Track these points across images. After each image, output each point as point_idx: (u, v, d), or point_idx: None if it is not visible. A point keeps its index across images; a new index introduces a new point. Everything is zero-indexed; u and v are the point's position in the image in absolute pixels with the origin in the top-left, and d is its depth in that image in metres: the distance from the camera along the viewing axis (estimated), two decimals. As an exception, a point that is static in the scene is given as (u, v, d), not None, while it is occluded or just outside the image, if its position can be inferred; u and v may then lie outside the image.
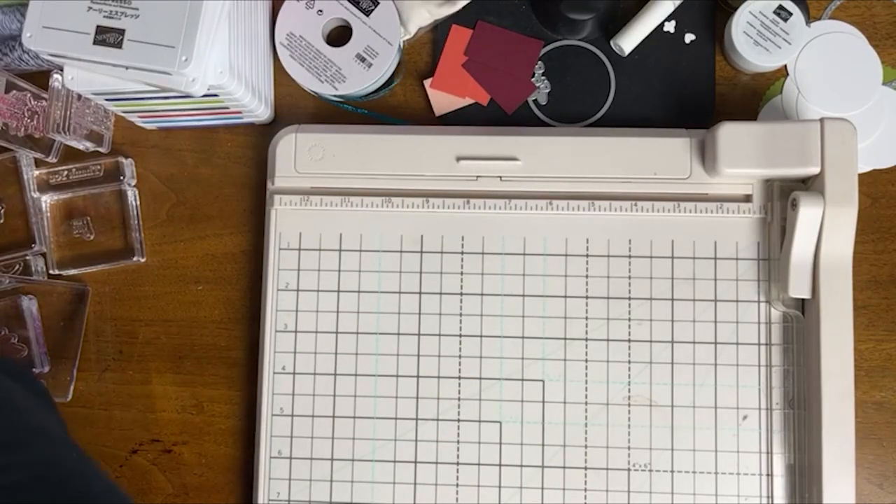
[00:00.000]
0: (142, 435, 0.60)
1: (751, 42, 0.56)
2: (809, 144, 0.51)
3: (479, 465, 0.55)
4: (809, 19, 0.58)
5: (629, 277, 0.55)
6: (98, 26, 0.49)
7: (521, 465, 0.55)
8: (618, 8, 0.59)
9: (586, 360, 0.55)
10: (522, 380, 0.55)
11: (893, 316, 0.57)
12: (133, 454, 0.60)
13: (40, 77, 0.60)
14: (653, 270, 0.55)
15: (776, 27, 0.56)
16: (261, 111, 0.59)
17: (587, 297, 0.55)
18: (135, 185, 0.62)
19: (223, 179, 0.61)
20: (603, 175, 0.56)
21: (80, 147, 0.60)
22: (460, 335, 0.56)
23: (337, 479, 0.55)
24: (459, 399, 0.55)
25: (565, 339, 0.55)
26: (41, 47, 0.49)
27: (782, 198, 0.54)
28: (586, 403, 0.55)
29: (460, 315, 0.56)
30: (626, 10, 0.59)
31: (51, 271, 0.61)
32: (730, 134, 0.52)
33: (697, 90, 0.59)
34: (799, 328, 0.53)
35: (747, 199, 0.55)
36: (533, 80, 0.60)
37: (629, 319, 0.55)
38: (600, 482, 0.54)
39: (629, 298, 0.55)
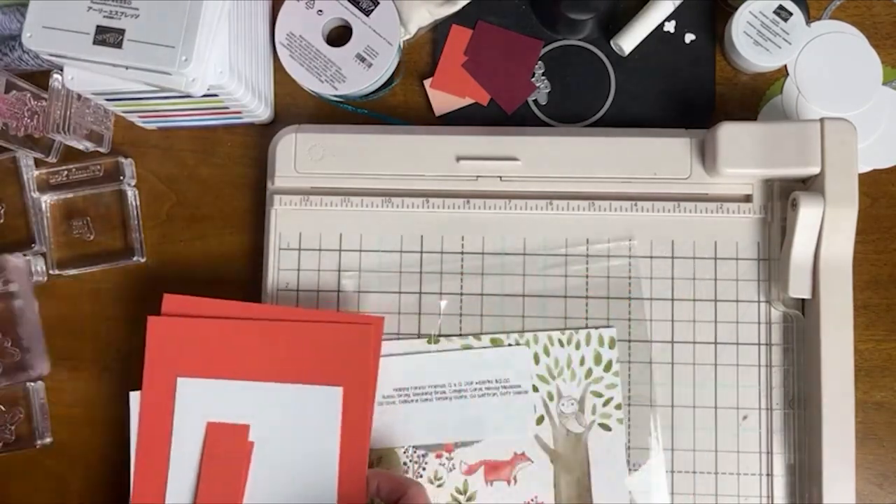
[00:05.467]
0: (142, 435, 0.60)
1: (751, 42, 0.56)
2: (809, 144, 0.51)
3: (479, 465, 0.55)
4: (809, 19, 0.58)
5: (629, 277, 0.55)
6: (98, 26, 0.49)
7: (521, 465, 0.55)
8: (618, 8, 0.59)
9: (586, 360, 0.55)
10: (522, 380, 0.55)
11: (893, 316, 0.57)
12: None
13: (40, 77, 0.60)
14: (653, 270, 0.55)
15: (776, 27, 0.56)
16: (261, 111, 0.59)
17: (587, 298, 0.55)
18: (135, 185, 0.62)
19: (223, 179, 0.61)
20: (603, 175, 0.56)
21: (80, 147, 0.60)
22: (460, 335, 0.56)
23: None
24: (459, 399, 0.55)
25: (565, 339, 0.55)
26: (41, 47, 0.49)
27: (782, 198, 0.54)
28: (586, 403, 0.55)
29: (460, 315, 0.56)
30: (626, 10, 0.59)
31: (51, 271, 0.61)
32: (730, 134, 0.52)
33: (697, 90, 0.59)
34: (799, 328, 0.53)
35: (747, 199, 0.55)
36: (533, 80, 0.60)
37: (629, 319, 0.55)
38: (600, 482, 0.54)
39: (629, 298, 0.55)
